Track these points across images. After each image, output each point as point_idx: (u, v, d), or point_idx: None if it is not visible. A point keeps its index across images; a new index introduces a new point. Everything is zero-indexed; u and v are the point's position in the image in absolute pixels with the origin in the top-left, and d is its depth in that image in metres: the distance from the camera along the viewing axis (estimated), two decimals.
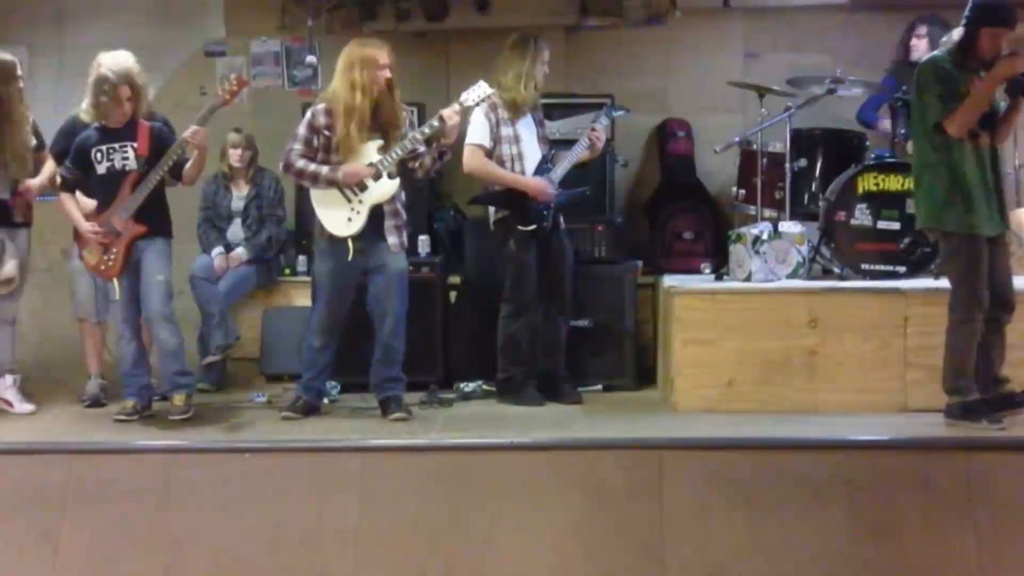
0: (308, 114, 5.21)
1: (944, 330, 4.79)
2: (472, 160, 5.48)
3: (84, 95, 5.58)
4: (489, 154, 5.48)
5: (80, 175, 5.23)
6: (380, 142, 5.10)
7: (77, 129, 5.51)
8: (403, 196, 5.25)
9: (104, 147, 5.17)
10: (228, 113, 5.77)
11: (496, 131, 5.48)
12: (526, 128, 5.56)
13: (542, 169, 5.51)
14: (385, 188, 5.09)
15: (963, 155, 4.62)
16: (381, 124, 5.11)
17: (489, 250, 5.72)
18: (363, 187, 5.07)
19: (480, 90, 5.21)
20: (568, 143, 5.76)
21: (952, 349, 4.69)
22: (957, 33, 4.72)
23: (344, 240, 5.10)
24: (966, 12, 4.63)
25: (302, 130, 5.16)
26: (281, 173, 5.38)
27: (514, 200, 5.47)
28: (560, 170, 5.52)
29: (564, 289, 5.60)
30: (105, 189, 5.20)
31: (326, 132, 5.11)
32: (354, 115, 5.02)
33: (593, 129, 5.57)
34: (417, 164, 5.21)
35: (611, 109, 5.93)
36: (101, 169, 5.19)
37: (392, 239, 5.15)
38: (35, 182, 5.50)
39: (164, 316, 5.17)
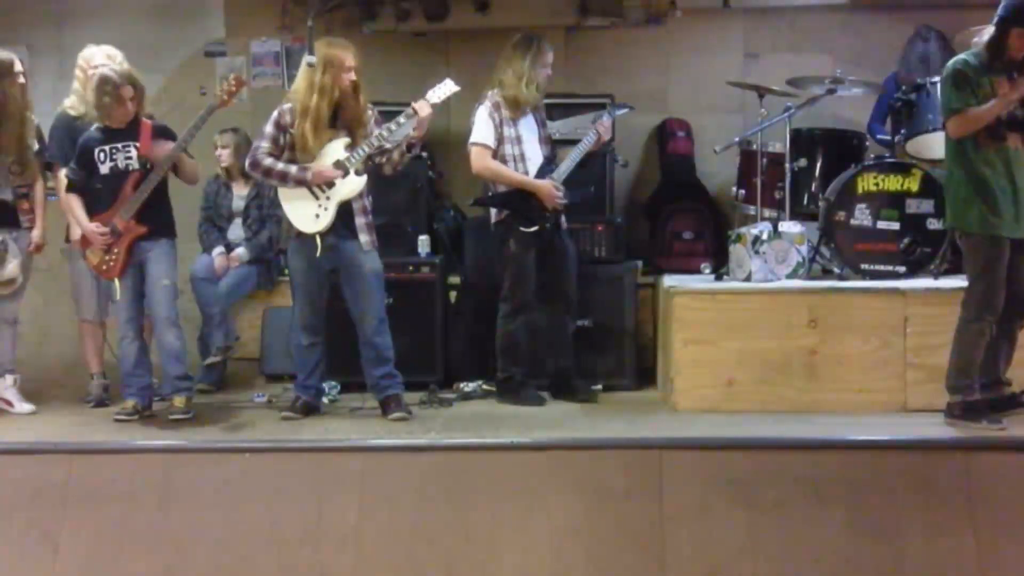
0: (275, 112, 5.20)
1: (946, 329, 4.79)
2: (480, 161, 5.47)
3: (70, 93, 5.67)
4: (493, 154, 5.48)
5: (85, 175, 5.24)
6: (347, 140, 5.11)
7: (69, 122, 5.56)
8: (370, 195, 5.24)
9: (107, 147, 5.18)
10: (229, 113, 5.78)
11: (499, 131, 5.47)
12: (528, 128, 5.55)
13: (546, 170, 5.51)
14: (352, 185, 5.09)
15: (981, 157, 4.60)
16: (346, 124, 5.12)
17: (489, 250, 5.71)
18: (330, 184, 5.08)
19: (445, 88, 5.22)
20: (568, 143, 5.76)
21: (959, 347, 4.69)
22: (988, 32, 4.72)
23: (312, 236, 5.11)
24: (998, 11, 4.62)
25: (269, 128, 5.16)
26: (248, 171, 5.32)
27: (517, 201, 5.46)
28: (564, 169, 5.52)
29: (569, 289, 5.60)
30: (108, 189, 5.20)
31: (292, 130, 5.12)
32: (308, 115, 5.03)
33: (602, 122, 5.57)
34: (384, 160, 5.21)
35: (615, 108, 5.90)
36: (104, 169, 5.20)
37: (364, 237, 5.15)
38: (37, 234, 5.53)
39: (170, 320, 5.19)
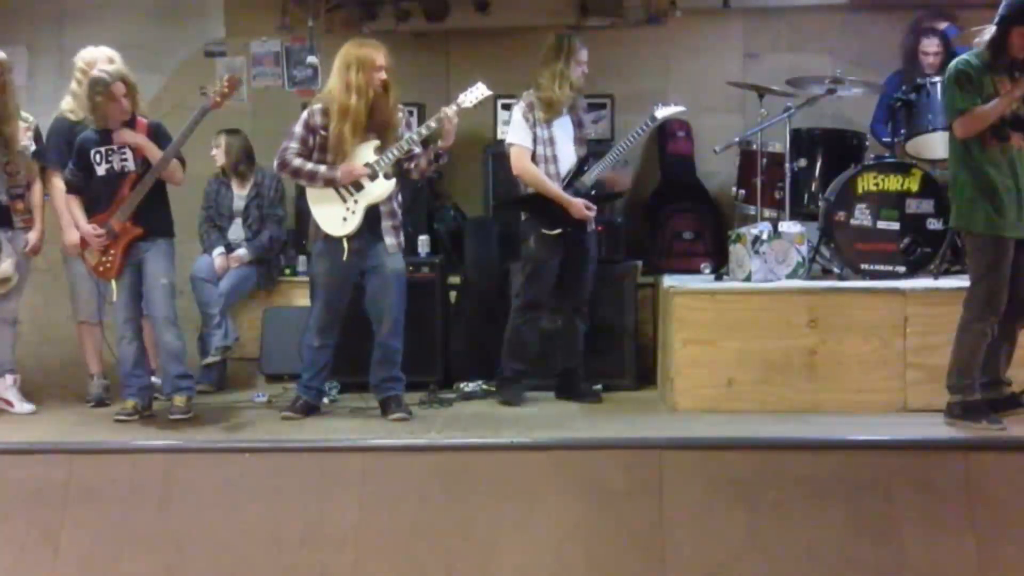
0: (305, 113, 5.20)
1: (946, 329, 4.79)
2: (521, 163, 5.43)
3: (65, 94, 5.67)
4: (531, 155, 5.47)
5: (83, 177, 5.24)
6: (377, 142, 5.10)
7: (67, 127, 5.55)
8: (399, 197, 5.25)
9: (103, 149, 5.18)
10: (228, 113, 5.80)
11: (532, 132, 5.45)
12: (562, 129, 5.52)
13: (577, 173, 5.48)
14: (381, 188, 5.09)
15: (986, 157, 4.60)
16: (377, 125, 5.10)
17: (489, 250, 5.70)
18: (359, 187, 5.08)
19: (477, 91, 5.20)
20: None
21: (960, 347, 4.69)
22: (989, 32, 4.72)
23: (340, 239, 5.10)
24: (999, 11, 4.62)
25: (298, 129, 5.15)
26: (276, 171, 5.34)
27: (541, 204, 5.44)
28: (595, 173, 5.50)
29: (583, 291, 5.58)
30: (105, 190, 5.20)
31: (322, 132, 5.10)
32: (348, 116, 5.02)
33: (647, 125, 5.58)
34: (412, 165, 5.21)
35: (661, 106, 5.71)
36: (101, 171, 5.20)
37: (389, 239, 5.15)
38: (35, 236, 5.52)
39: (168, 319, 5.19)
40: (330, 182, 5.07)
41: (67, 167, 5.32)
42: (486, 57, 5.67)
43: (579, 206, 5.40)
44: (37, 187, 5.56)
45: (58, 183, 5.53)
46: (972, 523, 4.17)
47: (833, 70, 6.04)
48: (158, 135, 5.23)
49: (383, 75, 5.06)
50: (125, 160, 5.18)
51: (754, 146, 6.06)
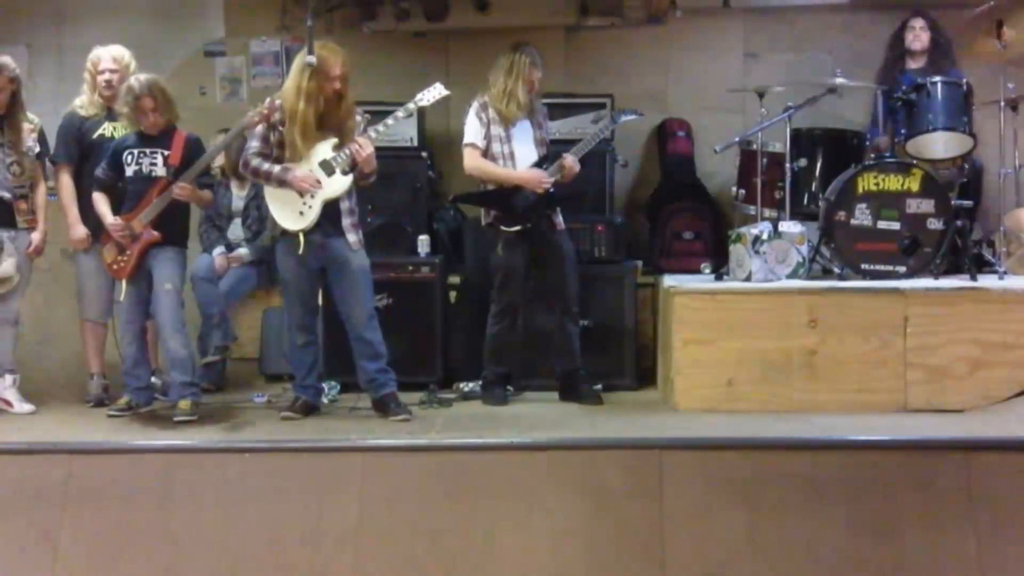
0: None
1: (946, 329, 4.78)
2: (469, 160, 5.50)
3: (81, 92, 5.69)
4: (483, 153, 5.49)
5: (114, 177, 5.28)
6: (335, 140, 5.10)
7: (77, 123, 5.58)
8: (354, 196, 5.22)
9: (136, 151, 5.23)
10: (228, 113, 5.79)
11: (487, 129, 5.48)
12: (521, 129, 5.54)
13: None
14: (338, 184, 5.09)
15: None
16: (330, 128, 5.11)
17: (485, 250, 5.72)
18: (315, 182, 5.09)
19: (435, 91, 5.23)
20: (565, 143, 5.74)
21: None
22: None
23: (296, 234, 5.10)
24: None
25: (259, 128, 5.17)
26: (240, 171, 5.34)
27: (497, 200, 5.47)
28: (555, 173, 5.51)
29: (566, 290, 5.58)
30: (132, 192, 5.25)
31: (281, 127, 5.12)
32: (296, 120, 5.04)
33: (564, 161, 5.47)
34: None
35: (619, 114, 5.82)
36: (130, 172, 5.25)
37: (351, 236, 5.15)
38: (37, 236, 5.54)
39: (172, 326, 5.19)
40: (282, 184, 5.08)
41: (100, 166, 5.34)
42: (486, 57, 5.67)
43: (532, 175, 5.41)
44: (41, 188, 5.59)
45: (65, 179, 5.57)
46: (973, 523, 4.16)
47: (833, 70, 6.04)
48: (194, 149, 5.28)
49: (337, 85, 5.06)
50: (154, 164, 5.21)
51: (754, 146, 6.06)
